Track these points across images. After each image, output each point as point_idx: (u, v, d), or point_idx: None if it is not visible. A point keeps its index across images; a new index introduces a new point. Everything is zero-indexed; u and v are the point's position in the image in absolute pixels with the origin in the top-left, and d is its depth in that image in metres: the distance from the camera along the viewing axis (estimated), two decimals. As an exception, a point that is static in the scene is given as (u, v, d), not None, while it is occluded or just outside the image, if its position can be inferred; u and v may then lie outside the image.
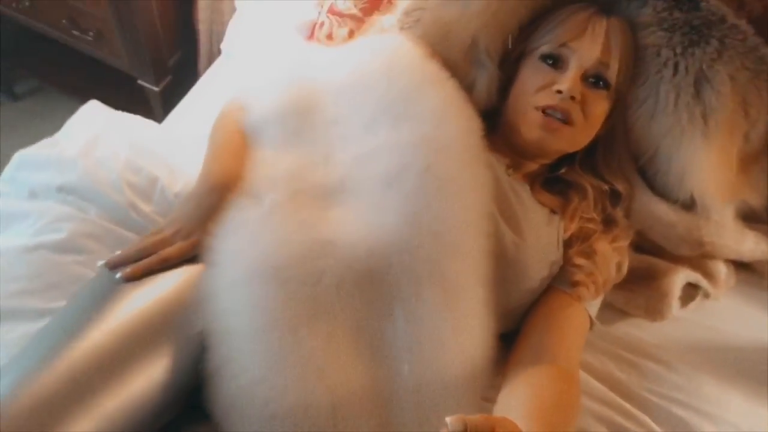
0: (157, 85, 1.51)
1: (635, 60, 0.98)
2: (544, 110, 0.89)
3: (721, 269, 1.08)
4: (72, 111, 1.03)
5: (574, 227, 0.93)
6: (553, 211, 0.95)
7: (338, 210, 0.78)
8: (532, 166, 0.99)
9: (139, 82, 1.52)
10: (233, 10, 1.31)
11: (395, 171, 0.78)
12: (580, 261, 0.90)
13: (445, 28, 0.98)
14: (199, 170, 0.87)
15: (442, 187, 0.77)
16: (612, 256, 0.93)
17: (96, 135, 0.97)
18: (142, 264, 0.73)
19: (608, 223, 0.98)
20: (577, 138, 0.94)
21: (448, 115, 0.85)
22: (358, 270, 0.71)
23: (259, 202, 0.78)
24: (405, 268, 0.72)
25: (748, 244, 1.08)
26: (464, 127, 0.85)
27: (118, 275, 0.72)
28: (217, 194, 0.81)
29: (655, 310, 1.03)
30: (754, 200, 1.08)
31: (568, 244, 0.93)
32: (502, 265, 0.83)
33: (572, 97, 0.88)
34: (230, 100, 0.97)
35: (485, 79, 0.99)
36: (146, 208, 0.94)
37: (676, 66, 0.95)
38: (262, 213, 0.76)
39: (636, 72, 0.98)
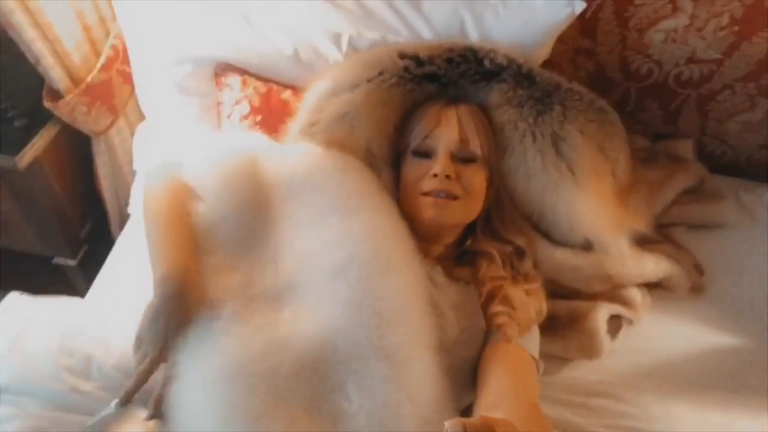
0: (73, 258, 1.53)
1: (497, 135, 1.11)
2: (429, 194, 1.01)
3: (636, 295, 1.18)
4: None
5: (486, 289, 1.02)
6: (467, 282, 1.03)
7: (290, 308, 0.87)
8: (437, 249, 1.08)
9: (55, 260, 1.53)
10: (134, 174, 1.38)
11: (341, 263, 0.89)
12: (498, 308, 0.98)
13: (340, 142, 1.09)
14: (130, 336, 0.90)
15: (385, 271, 0.88)
16: (527, 299, 1.01)
17: (22, 328, 0.99)
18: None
19: (516, 275, 1.07)
20: (467, 208, 1.05)
21: (390, 209, 0.99)
22: (312, 358, 0.81)
23: (217, 315, 0.85)
24: (351, 347, 0.82)
25: (650, 266, 1.18)
26: (399, 219, 0.98)
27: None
28: (174, 301, 0.86)
29: (589, 350, 1.10)
30: (641, 226, 1.21)
31: (485, 305, 1.00)
32: (453, 353, 0.92)
33: (447, 176, 1.00)
34: (156, 171, 1.02)
35: (386, 179, 1.10)
36: (87, 386, 0.95)
37: (533, 134, 1.09)
38: (222, 326, 0.84)
39: (503, 145, 1.11)
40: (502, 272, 1.04)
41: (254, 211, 0.96)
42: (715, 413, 1.04)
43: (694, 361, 1.14)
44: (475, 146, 1.05)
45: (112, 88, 1.35)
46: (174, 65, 1.24)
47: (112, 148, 1.47)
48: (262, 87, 1.19)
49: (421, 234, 1.05)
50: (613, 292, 1.17)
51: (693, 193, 1.38)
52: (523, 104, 1.10)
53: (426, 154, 1.05)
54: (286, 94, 1.20)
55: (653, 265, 1.19)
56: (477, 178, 1.05)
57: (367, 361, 0.81)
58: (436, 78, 1.12)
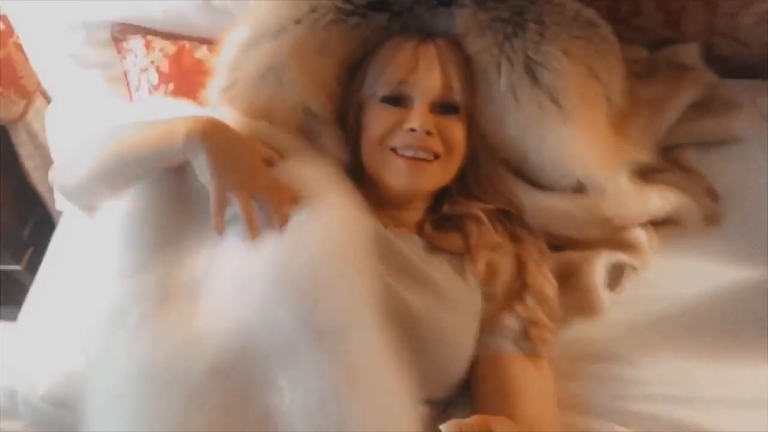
0: (18, 263, 1.39)
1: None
2: (401, 151, 0.85)
3: (640, 236, 1.02)
4: None
5: (483, 260, 0.88)
6: (454, 253, 0.89)
7: (206, 300, 0.74)
8: (413, 215, 0.93)
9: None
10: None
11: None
12: (518, 308, 0.84)
13: (266, 104, 0.90)
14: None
15: (307, 227, 0.74)
16: (545, 281, 0.88)
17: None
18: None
19: (514, 240, 0.93)
20: (447, 169, 0.90)
21: (322, 189, 0.80)
22: (230, 353, 0.69)
23: (124, 321, 0.74)
24: (274, 332, 0.69)
25: (654, 201, 1.02)
26: (337, 199, 0.79)
27: None
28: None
29: (587, 308, 0.95)
30: (642, 156, 1.03)
31: (489, 286, 0.86)
32: (418, 332, 0.78)
33: (427, 132, 0.84)
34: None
35: (330, 140, 0.93)
36: (16, 426, 0.86)
37: (498, 65, 0.91)
38: (131, 330, 0.73)
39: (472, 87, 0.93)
40: (497, 237, 0.90)
41: (171, 197, 0.81)
42: (743, 368, 0.89)
43: (713, 305, 0.98)
44: (458, 93, 0.88)
45: (14, 66, 1.16)
46: (63, 33, 1.05)
47: (34, 135, 1.30)
48: (170, 47, 1.01)
49: (388, 200, 0.90)
50: (614, 236, 1.01)
51: (702, 106, 1.18)
52: (485, 31, 0.90)
53: (398, 101, 0.87)
54: (201, 52, 1.03)
55: (658, 200, 1.02)
56: (458, 133, 0.89)
57: (297, 344, 0.68)
58: (386, 6, 0.92)
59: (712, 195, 1.08)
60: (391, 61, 0.89)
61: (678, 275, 1.01)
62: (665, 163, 1.10)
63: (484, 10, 0.91)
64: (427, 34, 0.91)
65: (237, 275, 0.73)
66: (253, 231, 0.74)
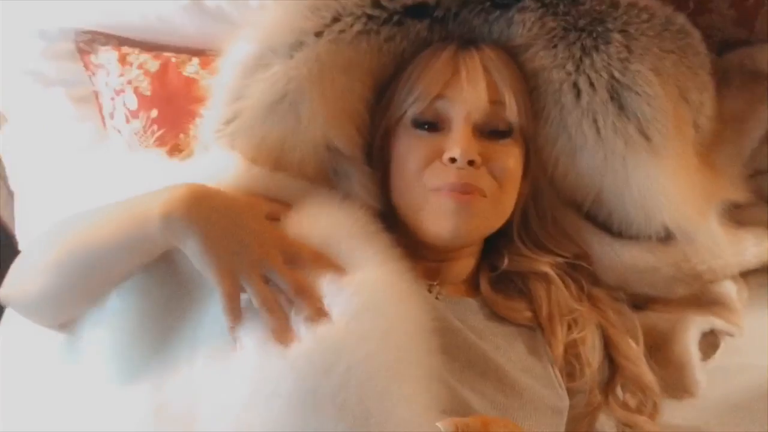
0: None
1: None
2: (442, 190, 0.67)
3: (730, 290, 0.85)
4: None
5: (562, 336, 0.70)
6: (522, 326, 0.72)
7: (206, 420, 0.57)
8: (462, 269, 0.75)
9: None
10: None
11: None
12: (613, 406, 0.71)
13: (278, 143, 0.70)
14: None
15: (369, 376, 0.54)
16: (642, 363, 0.73)
17: None
18: None
19: (592, 304, 0.76)
20: (499, 209, 0.71)
21: (358, 256, 0.62)
22: None
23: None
24: None
25: (750, 249, 0.85)
26: (380, 272, 0.61)
27: None
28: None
29: (678, 388, 0.78)
30: (735, 194, 0.85)
31: (572, 377, 0.70)
32: None
33: (471, 162, 0.65)
34: None
35: (358, 183, 0.73)
36: None
37: (575, 86, 0.71)
38: None
39: (534, 107, 0.74)
40: (572, 302, 0.72)
41: (156, 291, 0.63)
42: None
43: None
44: (511, 110, 0.69)
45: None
46: (17, 45, 0.84)
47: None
48: (152, 62, 0.81)
49: (426, 251, 0.71)
50: (702, 293, 0.84)
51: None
52: (557, 42, 0.71)
53: (433, 126, 0.68)
54: (192, 67, 0.82)
55: (754, 248, 0.86)
56: (512, 160, 0.70)
57: None
58: (425, 11, 0.72)
59: (804, 234, 0.91)
60: (424, 73, 0.70)
61: (774, 336, 0.85)
62: (751, 196, 0.92)
63: (554, 15, 0.71)
64: (468, 41, 0.72)
65: (249, 387, 0.54)
66: (282, 331, 0.56)
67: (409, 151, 0.69)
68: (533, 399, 0.65)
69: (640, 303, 0.84)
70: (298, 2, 0.70)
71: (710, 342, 0.83)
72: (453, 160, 0.65)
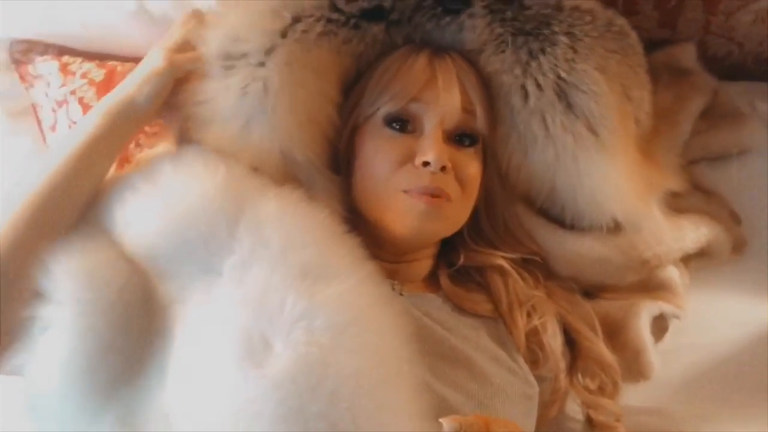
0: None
1: None
2: (412, 192, 0.68)
3: (674, 274, 0.89)
4: None
5: (522, 324, 0.73)
6: (485, 317, 0.74)
7: None
8: (420, 268, 0.76)
9: None
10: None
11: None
12: (577, 389, 0.72)
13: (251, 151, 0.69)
14: None
15: (355, 393, 0.52)
16: (601, 344, 0.76)
17: None
18: None
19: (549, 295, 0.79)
20: (463, 212, 0.74)
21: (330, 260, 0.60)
22: None
23: None
24: None
25: (689, 235, 0.89)
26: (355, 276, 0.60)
27: None
28: None
29: (634, 371, 0.81)
30: (672, 183, 0.90)
31: (536, 364, 0.72)
32: None
33: (443, 168, 0.67)
34: None
35: (321, 189, 0.72)
36: None
37: (523, 88, 0.74)
38: None
39: None
40: (529, 291, 0.75)
41: (125, 317, 0.59)
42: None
43: (759, 346, 0.88)
44: (481, 121, 0.72)
45: None
46: None
47: None
48: (96, 71, 0.77)
49: (387, 249, 0.72)
50: (648, 279, 0.88)
51: (705, 115, 1.08)
52: (504, 47, 0.73)
53: (404, 125, 0.70)
54: None
55: (692, 233, 0.90)
56: (473, 169, 0.73)
57: None
58: (382, 14, 0.73)
59: (736, 218, 0.98)
60: (400, 74, 0.71)
61: (715, 315, 0.90)
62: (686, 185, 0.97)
63: (502, 20, 0.73)
64: (441, 49, 0.73)
65: (229, 408, 0.52)
66: None
67: (379, 150, 0.70)
68: (504, 386, 0.66)
69: (591, 291, 0.87)
70: (258, 4, 0.69)
71: (659, 326, 0.87)
72: (426, 164, 0.66)
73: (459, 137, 0.72)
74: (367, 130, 0.72)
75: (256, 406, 0.51)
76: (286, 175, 0.71)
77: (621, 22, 0.81)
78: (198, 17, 0.72)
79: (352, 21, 0.71)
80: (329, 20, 0.70)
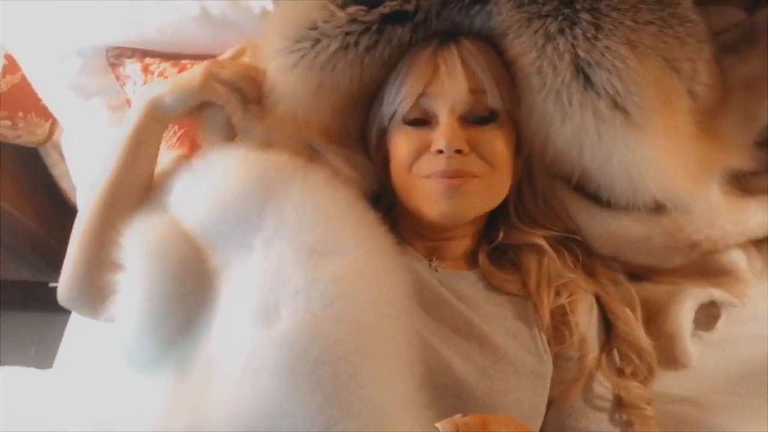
0: (62, 279, 1.38)
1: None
2: (432, 177, 0.72)
3: (739, 258, 0.83)
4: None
5: (548, 302, 0.74)
6: (515, 295, 0.76)
7: (217, 382, 0.64)
8: (460, 246, 0.80)
9: (51, 284, 1.40)
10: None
11: (263, 306, 0.64)
12: (607, 373, 0.73)
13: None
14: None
15: (345, 355, 0.59)
16: (638, 328, 0.75)
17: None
18: None
19: (589, 275, 0.80)
20: (493, 188, 0.76)
21: (342, 230, 0.67)
22: None
23: (150, 389, 0.69)
24: None
25: (754, 217, 0.82)
26: (363, 248, 0.67)
27: None
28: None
29: (671, 359, 0.79)
30: (738, 160, 0.82)
31: (560, 342, 0.73)
32: (473, 406, 0.65)
33: (458, 151, 0.70)
34: None
35: (348, 163, 0.80)
36: None
37: (540, 70, 0.73)
38: (152, 402, 0.68)
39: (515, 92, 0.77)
40: (567, 273, 0.76)
41: (186, 276, 0.70)
42: None
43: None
44: (494, 97, 0.73)
45: (31, 90, 1.10)
46: (59, 63, 0.96)
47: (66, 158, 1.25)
48: (171, 70, 0.90)
49: (427, 230, 0.77)
50: (705, 262, 0.82)
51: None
52: (524, 30, 0.73)
53: (422, 121, 0.74)
54: None
55: (758, 215, 0.82)
56: (500, 144, 0.74)
57: None
58: (405, 16, 0.76)
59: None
60: (407, 73, 0.75)
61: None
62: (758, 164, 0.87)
63: (520, 5, 0.73)
64: (449, 36, 0.75)
65: (245, 359, 0.61)
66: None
67: (402, 146, 0.75)
68: (513, 362, 0.68)
69: (640, 273, 0.84)
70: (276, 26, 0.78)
71: (710, 313, 0.82)
72: (441, 151, 0.70)
73: (477, 118, 0.74)
74: (392, 130, 0.77)
75: (262, 361, 0.59)
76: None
77: (660, -10, 0.75)
78: (241, 52, 0.83)
79: (375, 28, 0.75)
80: (347, 33, 0.74)
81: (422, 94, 0.73)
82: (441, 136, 0.70)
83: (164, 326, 0.69)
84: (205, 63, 0.78)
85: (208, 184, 0.74)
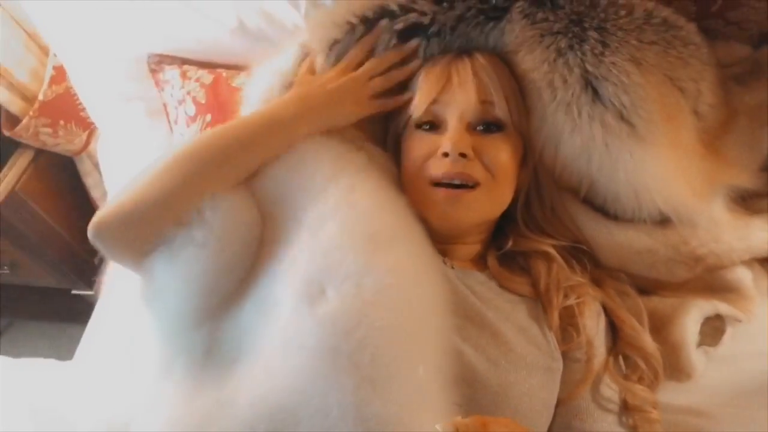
0: (90, 288, 1.43)
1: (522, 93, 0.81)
2: (440, 182, 0.75)
3: (744, 275, 0.84)
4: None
5: (557, 303, 0.75)
6: (525, 297, 0.78)
7: (247, 361, 0.65)
8: (469, 249, 0.82)
9: (74, 292, 1.44)
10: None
11: (302, 287, 0.65)
12: (614, 375, 0.74)
13: None
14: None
15: (387, 342, 0.61)
16: (644, 334, 0.77)
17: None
18: None
19: (595, 283, 0.82)
20: (494, 197, 0.78)
21: (390, 224, 0.70)
22: (264, 424, 0.58)
23: (172, 369, 0.70)
24: (317, 418, 0.57)
25: (758, 234, 0.84)
26: (409, 244, 0.70)
27: None
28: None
29: (676, 371, 0.79)
30: (742, 179, 0.85)
31: (567, 343, 0.75)
32: (486, 399, 0.66)
33: (462, 155, 0.74)
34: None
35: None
36: None
37: (551, 84, 0.78)
38: (175, 381, 0.69)
39: (524, 106, 0.81)
40: (573, 277, 0.78)
41: (227, 259, 0.71)
42: None
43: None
44: (501, 108, 0.77)
45: (74, 99, 1.18)
46: (105, 69, 1.03)
47: (98, 165, 1.32)
48: (207, 76, 0.96)
49: (437, 234, 0.79)
50: (711, 278, 0.84)
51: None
52: (537, 45, 0.78)
53: (433, 126, 0.78)
54: (240, 80, 0.95)
55: (762, 232, 0.84)
56: (503, 153, 0.77)
57: None
58: (421, 29, 0.82)
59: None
60: (422, 82, 0.80)
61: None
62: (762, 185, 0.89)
63: (533, 23, 0.78)
64: (464, 50, 0.81)
65: (283, 338, 0.62)
66: None
67: (413, 149, 0.79)
68: (525, 356, 0.70)
69: (647, 287, 0.85)
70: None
71: (715, 326, 0.82)
72: (446, 154, 0.74)
73: (485, 126, 0.77)
74: (406, 136, 0.82)
75: (302, 339, 0.59)
76: None
77: (664, 14, 0.80)
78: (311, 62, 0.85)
79: (392, 42, 0.82)
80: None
81: (434, 102, 0.77)
82: (448, 139, 0.74)
83: (207, 302, 0.71)
84: (343, 85, 0.80)
85: (287, 155, 0.76)
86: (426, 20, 0.81)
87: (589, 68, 0.76)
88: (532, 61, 0.79)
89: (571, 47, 0.77)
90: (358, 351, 0.58)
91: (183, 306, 0.71)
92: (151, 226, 0.70)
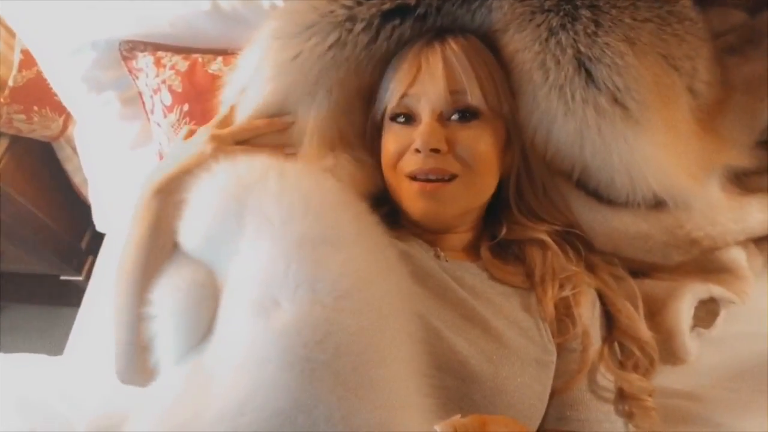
0: (79, 273, 1.40)
1: (510, 73, 0.77)
2: (415, 177, 0.73)
3: (738, 257, 0.83)
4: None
5: (552, 294, 0.74)
6: (519, 287, 0.76)
7: (220, 374, 0.61)
8: (459, 239, 0.81)
9: (62, 277, 1.42)
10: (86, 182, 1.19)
11: (263, 292, 0.62)
12: (609, 364, 0.73)
13: None
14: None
15: (362, 349, 0.58)
16: (639, 321, 0.76)
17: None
18: None
19: (590, 269, 0.80)
20: (474, 187, 0.76)
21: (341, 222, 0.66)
22: None
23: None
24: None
25: (755, 215, 0.82)
26: (366, 241, 0.67)
27: None
28: None
29: (669, 355, 0.79)
30: (738, 158, 0.83)
31: (563, 334, 0.73)
32: (477, 391, 0.65)
33: (435, 150, 0.71)
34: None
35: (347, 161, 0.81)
36: None
37: (542, 65, 0.74)
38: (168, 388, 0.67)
39: (516, 87, 0.78)
40: (568, 265, 0.76)
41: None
42: None
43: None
44: (475, 96, 0.73)
45: (47, 85, 1.13)
46: (72, 56, 0.98)
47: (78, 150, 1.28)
48: (182, 63, 0.92)
49: (423, 227, 0.78)
50: (704, 259, 0.83)
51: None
52: (527, 23, 0.74)
53: (408, 118, 0.75)
54: (216, 65, 0.91)
55: (759, 213, 0.83)
56: (481, 141, 0.74)
57: None
58: (407, 9, 0.77)
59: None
60: (394, 72, 0.76)
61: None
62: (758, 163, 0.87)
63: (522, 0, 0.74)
64: (437, 35, 0.76)
65: (244, 352, 0.59)
66: None
67: (388, 143, 0.77)
68: (517, 348, 0.69)
69: (642, 270, 0.85)
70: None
71: (710, 309, 0.82)
72: (418, 151, 0.72)
73: (460, 114, 0.73)
74: (384, 125, 0.78)
75: (263, 353, 0.56)
76: None
77: (659, -11, 0.76)
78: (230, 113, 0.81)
79: (374, 24, 0.76)
80: (347, 30, 0.76)
81: (405, 95, 0.74)
82: (419, 135, 0.72)
83: (193, 338, 0.69)
84: (204, 136, 0.76)
85: (197, 210, 0.71)
86: (412, 1, 0.77)
87: (582, 49, 0.73)
88: (521, 41, 0.75)
89: (563, 26, 0.73)
90: (336, 360, 0.55)
91: (175, 342, 0.69)
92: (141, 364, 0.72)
